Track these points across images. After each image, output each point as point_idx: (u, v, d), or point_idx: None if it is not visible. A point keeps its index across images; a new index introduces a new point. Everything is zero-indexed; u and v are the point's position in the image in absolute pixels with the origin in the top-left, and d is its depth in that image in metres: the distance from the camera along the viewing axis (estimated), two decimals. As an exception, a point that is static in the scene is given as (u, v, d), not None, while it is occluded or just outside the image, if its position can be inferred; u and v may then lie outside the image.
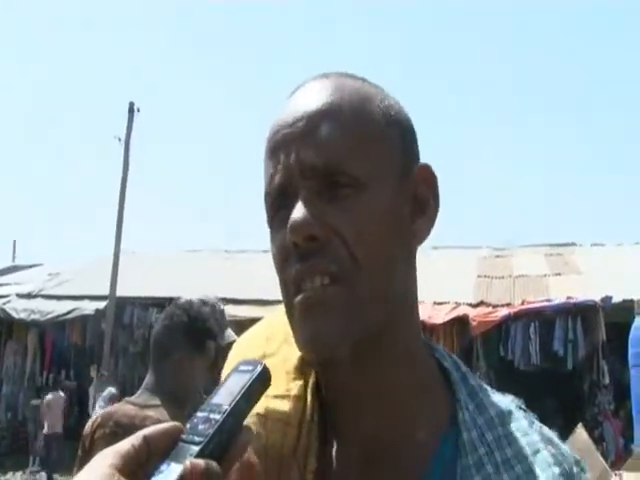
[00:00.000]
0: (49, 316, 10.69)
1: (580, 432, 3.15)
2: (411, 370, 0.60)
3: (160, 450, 0.48)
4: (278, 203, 0.58)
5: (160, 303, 9.60)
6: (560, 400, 8.28)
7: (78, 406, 10.76)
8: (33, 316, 10.77)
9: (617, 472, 2.72)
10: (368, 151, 0.58)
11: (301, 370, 0.62)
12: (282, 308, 0.66)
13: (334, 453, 0.59)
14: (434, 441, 0.59)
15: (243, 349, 0.67)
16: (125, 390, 7.99)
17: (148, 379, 2.00)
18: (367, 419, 0.59)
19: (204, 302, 2.19)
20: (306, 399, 0.60)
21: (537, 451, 0.58)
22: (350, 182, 0.56)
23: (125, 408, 1.90)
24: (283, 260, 0.57)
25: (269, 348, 0.64)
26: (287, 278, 0.57)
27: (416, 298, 0.62)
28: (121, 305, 10.68)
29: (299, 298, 0.56)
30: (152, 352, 2.02)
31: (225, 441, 0.48)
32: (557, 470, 0.57)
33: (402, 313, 0.60)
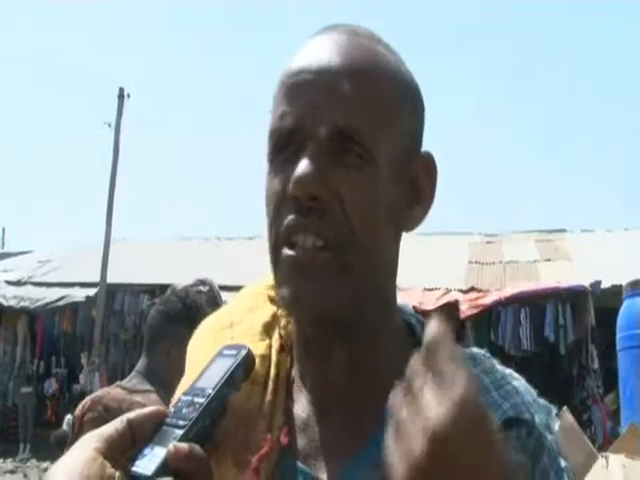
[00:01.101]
0: (39, 303, 10.64)
1: (566, 415, 3.18)
2: (383, 335, 0.61)
3: (144, 434, 0.48)
4: (282, 144, 0.57)
5: (151, 290, 9.60)
6: (549, 384, 8.37)
7: (69, 393, 10.76)
8: (23, 303, 10.72)
9: (604, 454, 2.76)
10: (386, 127, 0.57)
11: (266, 332, 0.63)
12: (246, 288, 0.69)
13: (300, 408, 0.60)
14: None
15: (210, 322, 0.68)
16: (116, 377, 8.00)
17: (140, 363, 2.01)
18: (336, 375, 0.59)
19: (200, 290, 2.19)
20: (270, 359, 0.61)
21: (500, 386, 0.59)
22: (362, 153, 0.55)
23: (114, 392, 1.91)
24: (277, 204, 0.56)
25: (234, 318, 0.65)
26: (279, 225, 0.56)
27: (396, 275, 0.63)
28: (112, 292, 10.65)
29: (289, 253, 0.55)
30: (145, 337, 2.03)
31: (209, 424, 0.48)
32: (519, 399, 0.58)
33: (387, 290, 0.61)
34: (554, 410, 0.63)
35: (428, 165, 0.62)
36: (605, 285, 8.14)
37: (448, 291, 9.06)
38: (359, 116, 0.55)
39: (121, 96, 12.43)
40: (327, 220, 0.54)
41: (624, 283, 3.90)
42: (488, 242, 11.59)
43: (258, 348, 0.61)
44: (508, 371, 0.63)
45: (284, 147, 0.57)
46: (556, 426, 0.61)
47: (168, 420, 0.49)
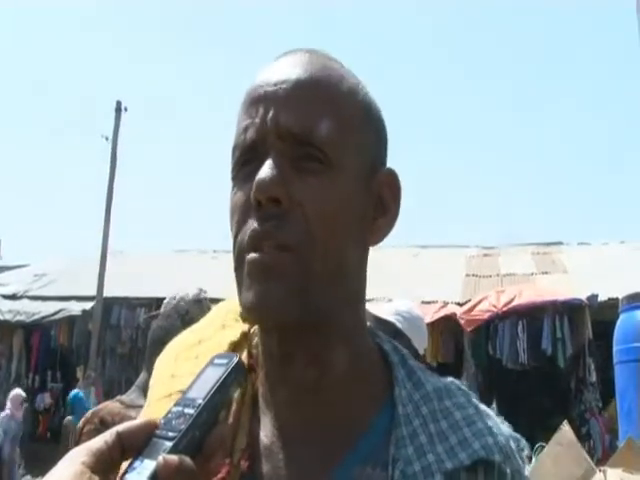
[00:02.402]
0: (35, 317, 10.58)
1: (565, 429, 3.17)
2: (353, 352, 0.60)
3: (134, 446, 0.47)
4: (245, 158, 0.58)
5: (148, 303, 9.56)
6: (547, 398, 8.35)
7: (64, 407, 10.67)
8: (18, 317, 10.66)
9: (601, 468, 2.75)
10: (347, 137, 0.58)
11: (234, 351, 0.62)
12: (218, 305, 0.68)
13: (265, 429, 0.59)
14: (369, 415, 0.59)
15: (180, 339, 0.68)
16: (112, 391, 7.94)
17: (140, 378, 2.01)
18: (303, 396, 0.59)
19: (202, 307, 2.20)
20: None
21: (472, 423, 0.59)
22: (322, 158, 0.56)
23: (112, 406, 1.92)
24: (242, 215, 0.57)
25: (204, 335, 0.65)
26: (243, 235, 0.56)
27: (364, 294, 0.63)
28: (108, 305, 10.60)
29: (252, 256, 0.55)
30: (146, 351, 2.04)
31: (199, 436, 0.47)
32: (491, 440, 0.57)
33: (351, 299, 0.60)
34: (525, 444, 0.62)
35: (391, 181, 0.63)
36: (602, 298, 8.14)
37: (445, 304, 9.05)
38: (318, 122, 0.56)
39: (118, 109, 12.48)
40: (288, 226, 0.55)
41: (621, 296, 3.91)
42: (485, 255, 11.60)
43: None
44: (482, 407, 0.62)
45: (247, 161, 0.57)
46: (526, 466, 0.60)
47: (158, 432, 0.48)
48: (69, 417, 6.70)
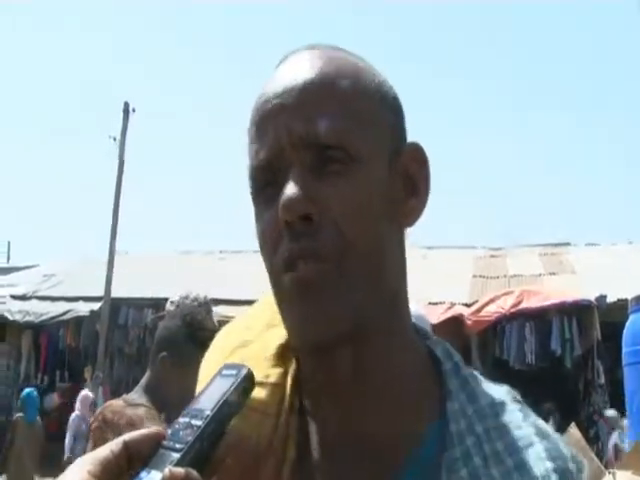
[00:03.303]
0: (43, 317, 10.65)
1: (573, 431, 3.16)
2: (402, 360, 0.57)
3: (141, 456, 0.46)
4: (265, 178, 0.55)
5: (155, 304, 9.58)
6: (556, 399, 8.30)
7: (72, 408, 10.72)
8: (27, 317, 10.72)
9: (610, 470, 2.73)
10: (362, 126, 0.55)
11: (281, 357, 0.59)
12: (265, 297, 0.64)
13: (313, 443, 0.57)
14: (421, 432, 0.56)
15: (222, 339, 0.65)
16: (120, 391, 7.96)
17: (145, 377, 2.03)
18: (350, 408, 0.56)
19: (207, 309, 2.21)
20: (285, 387, 0.57)
21: (530, 445, 0.55)
22: (343, 157, 0.54)
23: (115, 404, 1.94)
24: (273, 240, 0.54)
25: (248, 335, 0.62)
26: (277, 259, 0.54)
27: (406, 284, 0.59)
28: (116, 306, 10.65)
29: (290, 276, 0.53)
30: (151, 350, 2.05)
31: (207, 448, 0.47)
32: (550, 465, 0.54)
33: (396, 298, 0.58)
34: (584, 464, 0.58)
35: (417, 156, 0.60)
36: (610, 299, 8.10)
37: (452, 305, 9.03)
38: (332, 121, 0.54)
39: (126, 110, 12.53)
40: (321, 238, 0.52)
41: (630, 297, 3.88)
42: (492, 256, 11.56)
43: (271, 376, 0.57)
44: (541, 424, 0.58)
45: (268, 182, 0.55)
46: None
47: (165, 443, 0.47)
48: (20, 414, 6.71)
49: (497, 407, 0.57)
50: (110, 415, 1.86)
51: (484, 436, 0.55)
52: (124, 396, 2.02)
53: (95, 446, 1.78)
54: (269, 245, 0.55)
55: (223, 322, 0.72)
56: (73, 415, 7.66)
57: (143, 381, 2.01)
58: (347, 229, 0.53)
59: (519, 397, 0.61)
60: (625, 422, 6.97)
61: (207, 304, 2.19)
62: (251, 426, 0.55)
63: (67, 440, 7.30)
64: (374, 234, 0.54)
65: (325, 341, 0.53)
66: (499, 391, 0.60)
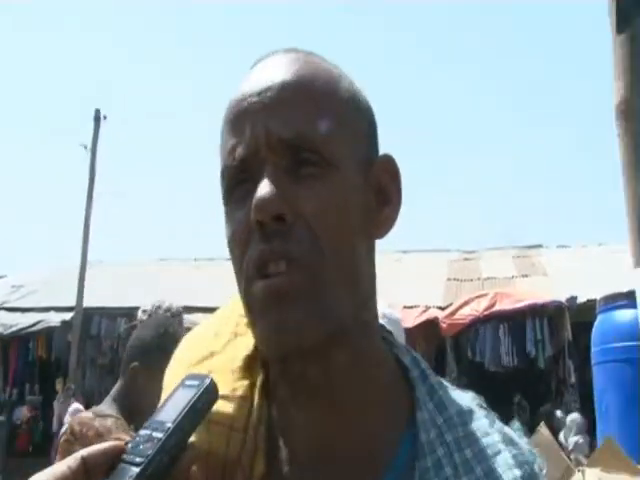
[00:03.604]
0: (13, 329, 10.39)
1: (543, 430, 3.20)
2: (372, 369, 0.57)
3: (99, 471, 0.45)
4: (238, 178, 0.54)
5: (128, 313, 9.42)
6: (528, 400, 8.42)
7: (43, 421, 10.47)
8: (-4, 329, 10.46)
9: (580, 468, 2.78)
10: (338, 131, 0.54)
11: (248, 369, 0.58)
12: (233, 299, 0.62)
13: (283, 456, 0.55)
14: (391, 443, 0.56)
15: (190, 346, 0.63)
16: (92, 403, 7.81)
17: (115, 387, 2.01)
18: (321, 419, 0.55)
19: (179, 319, 2.21)
20: (252, 400, 0.56)
21: (498, 452, 0.56)
22: (318, 161, 0.53)
23: (83, 415, 1.93)
24: (243, 241, 0.53)
25: (216, 345, 0.60)
26: (247, 260, 0.52)
27: (376, 294, 0.59)
28: (88, 316, 10.46)
29: (261, 284, 0.51)
30: (122, 360, 2.03)
31: (167, 461, 0.45)
32: (518, 472, 0.55)
33: (366, 307, 0.57)
34: (544, 466, 0.60)
35: (389, 167, 0.60)
36: (581, 300, 8.26)
37: (427, 308, 9.10)
38: (309, 125, 0.53)
39: (97, 118, 12.36)
40: (295, 240, 0.51)
41: (598, 298, 3.97)
42: (466, 259, 11.70)
43: (238, 389, 0.56)
44: (506, 430, 0.59)
45: (240, 182, 0.54)
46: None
47: (125, 456, 0.46)
48: None
49: (465, 415, 0.58)
50: (78, 427, 1.83)
51: (454, 445, 0.56)
52: (93, 408, 2.01)
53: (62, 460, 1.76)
54: (239, 246, 0.54)
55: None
56: (62, 429, 7.49)
57: (114, 391, 1.99)
58: (321, 232, 0.52)
59: (484, 403, 0.62)
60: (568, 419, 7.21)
61: (179, 315, 2.20)
62: (219, 441, 0.54)
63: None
64: (348, 240, 0.54)
65: (296, 350, 0.52)
66: (465, 398, 0.60)
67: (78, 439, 1.81)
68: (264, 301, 0.52)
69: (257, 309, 0.53)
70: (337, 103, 0.56)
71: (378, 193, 0.58)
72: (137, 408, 1.90)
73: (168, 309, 2.20)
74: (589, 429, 7.05)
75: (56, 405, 9.72)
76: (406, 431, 0.56)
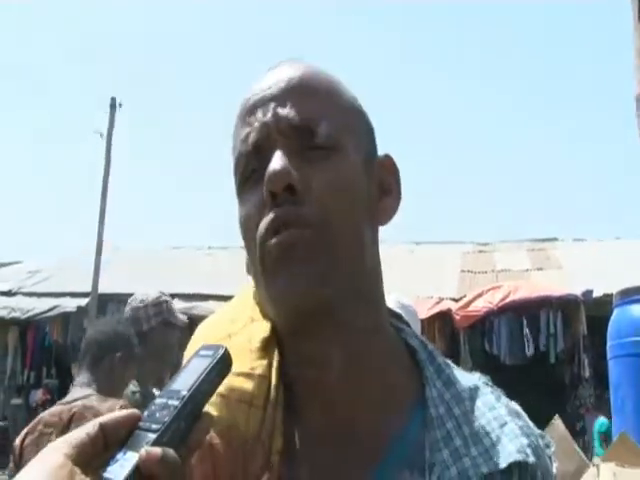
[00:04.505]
0: (29, 314, 10.55)
1: (557, 424, 3.19)
2: (381, 343, 0.60)
3: (117, 438, 0.46)
4: (252, 164, 0.58)
5: (143, 300, 9.55)
6: (542, 393, 8.39)
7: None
8: (13, 314, 10.62)
9: (594, 462, 2.77)
10: (342, 120, 0.59)
11: (265, 349, 0.60)
12: (243, 291, 0.66)
13: (299, 432, 0.58)
14: (402, 417, 0.58)
15: (206, 331, 0.66)
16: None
17: (80, 379, 2.06)
18: (334, 394, 0.58)
19: (167, 300, 2.35)
20: (270, 379, 0.59)
21: (504, 424, 0.58)
22: (325, 143, 0.57)
23: (51, 410, 1.97)
24: (256, 220, 0.56)
25: (233, 328, 0.63)
26: (261, 229, 0.56)
27: (382, 283, 0.62)
28: (103, 302, 10.57)
29: (274, 240, 0.54)
30: (91, 352, 2.10)
31: (183, 428, 0.47)
32: (525, 441, 0.57)
33: (375, 283, 0.60)
34: (551, 441, 0.62)
35: (389, 165, 0.64)
36: (597, 294, 8.18)
37: (441, 300, 9.07)
38: (314, 110, 0.57)
39: (113, 105, 12.42)
40: (306, 206, 0.55)
41: (615, 292, 3.93)
42: (480, 251, 11.62)
43: (256, 368, 0.58)
44: (512, 405, 0.62)
45: (254, 167, 0.57)
46: (554, 459, 0.61)
47: (141, 424, 0.47)
48: None
49: (472, 391, 0.61)
50: (55, 419, 1.89)
51: (462, 418, 0.58)
52: (60, 401, 2.07)
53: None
54: (253, 226, 0.57)
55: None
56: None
57: (82, 381, 2.05)
58: (329, 206, 0.55)
59: (490, 382, 0.64)
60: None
61: (164, 303, 2.30)
62: (240, 417, 0.56)
63: None
64: (354, 215, 0.57)
65: (308, 305, 0.54)
66: (471, 377, 0.63)
67: (57, 428, 1.84)
68: (276, 261, 0.55)
69: (270, 271, 0.55)
70: (339, 97, 0.61)
71: (379, 185, 0.62)
72: (115, 395, 1.96)
73: (142, 300, 2.37)
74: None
75: (72, 388, 9.87)
76: (416, 408, 0.59)
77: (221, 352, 0.50)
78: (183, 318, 2.55)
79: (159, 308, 2.44)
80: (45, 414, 1.96)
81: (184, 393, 0.47)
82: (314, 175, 0.56)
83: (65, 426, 1.81)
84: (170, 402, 0.47)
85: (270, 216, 0.55)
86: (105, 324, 2.22)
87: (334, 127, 0.58)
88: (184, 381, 0.49)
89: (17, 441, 1.92)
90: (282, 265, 0.54)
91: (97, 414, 1.78)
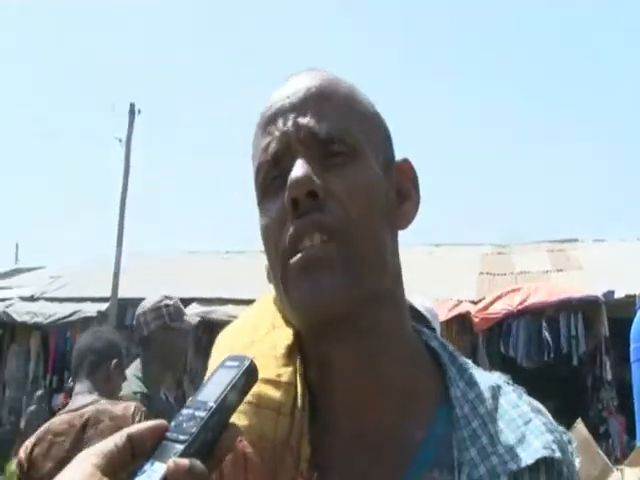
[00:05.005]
0: (51, 319, 10.69)
1: (580, 427, 3.14)
2: (403, 347, 0.60)
3: (145, 449, 0.47)
4: (273, 173, 0.58)
5: (162, 304, 9.62)
6: (564, 397, 8.28)
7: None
8: (36, 319, 10.77)
9: (619, 467, 2.72)
10: (362, 125, 0.60)
11: (290, 356, 0.60)
12: (262, 298, 0.67)
13: (325, 439, 0.58)
14: (427, 419, 0.59)
15: (228, 338, 0.66)
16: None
17: (79, 387, 2.08)
18: (357, 399, 0.58)
19: (168, 304, 2.39)
20: (296, 386, 0.59)
21: (529, 421, 0.59)
22: (345, 150, 0.57)
23: (58, 419, 1.98)
24: (278, 229, 0.57)
25: (256, 335, 0.63)
26: (283, 239, 0.56)
27: (402, 283, 0.62)
28: (123, 307, 10.67)
29: (296, 258, 0.55)
30: (89, 359, 2.13)
31: (211, 439, 0.47)
32: (550, 437, 0.58)
33: (396, 288, 0.61)
34: (572, 437, 0.62)
35: (407, 169, 0.65)
36: (618, 295, 8.05)
37: (459, 302, 9.00)
38: (334, 118, 0.58)
39: (132, 112, 12.56)
40: (327, 213, 0.55)
41: (638, 293, 3.86)
42: (499, 253, 11.52)
43: (283, 375, 0.59)
44: (535, 403, 0.62)
45: (274, 178, 0.58)
46: (576, 454, 0.61)
47: (169, 434, 0.47)
48: None
49: (494, 390, 0.61)
50: (64, 426, 1.93)
51: (487, 417, 0.58)
52: (63, 410, 2.09)
53: (63, 459, 1.79)
54: (274, 235, 0.57)
55: (229, 322, 0.73)
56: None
57: (82, 389, 2.07)
58: (351, 212, 0.56)
59: (510, 381, 0.64)
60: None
61: (163, 307, 2.36)
62: (268, 425, 0.56)
63: None
64: (375, 218, 0.57)
65: (330, 315, 0.54)
66: (492, 377, 0.64)
67: (67, 437, 1.85)
68: (299, 272, 0.55)
69: (293, 281, 0.56)
70: (358, 104, 0.62)
71: (398, 190, 0.63)
72: (114, 399, 1.99)
73: (142, 306, 2.47)
74: (627, 427, 6.90)
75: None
76: (441, 408, 0.59)
77: (247, 363, 0.50)
78: (191, 320, 2.57)
79: (158, 312, 2.49)
80: (53, 423, 1.97)
81: (211, 404, 0.48)
82: (335, 182, 0.56)
83: (79, 431, 1.82)
84: (197, 413, 0.47)
85: (292, 227, 0.55)
86: (94, 333, 2.30)
87: (353, 134, 0.58)
88: (211, 392, 0.49)
89: (22, 453, 1.93)
90: (304, 276, 0.55)
91: (112, 416, 1.79)
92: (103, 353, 2.10)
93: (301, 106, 0.58)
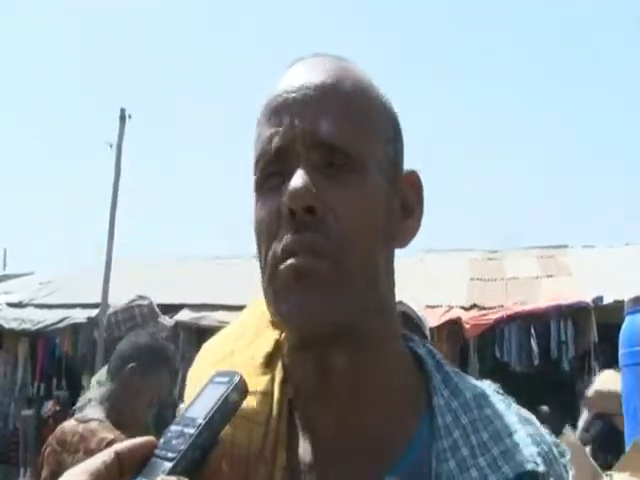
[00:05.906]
0: (40, 325, 10.60)
1: (568, 434, 3.16)
2: (393, 361, 0.59)
3: (133, 466, 0.46)
4: (272, 169, 0.57)
5: (152, 310, 9.57)
6: (554, 402, 8.31)
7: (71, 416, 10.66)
8: (24, 325, 10.67)
9: (608, 472, 2.73)
10: (371, 137, 0.58)
11: (268, 365, 0.60)
12: (253, 302, 0.66)
13: (304, 446, 0.57)
14: (409, 429, 0.58)
15: (211, 349, 0.65)
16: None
17: (100, 392, 2.06)
18: (344, 410, 0.57)
19: (140, 304, 2.35)
20: (273, 394, 0.58)
21: (514, 432, 0.57)
22: (350, 163, 0.56)
23: (67, 425, 1.97)
24: (271, 227, 0.55)
25: (238, 344, 0.63)
26: (276, 246, 0.55)
27: (394, 298, 0.62)
28: (113, 313, 10.62)
29: (287, 263, 0.54)
30: (113, 365, 2.10)
31: (199, 457, 0.46)
32: (535, 449, 0.56)
33: (385, 303, 0.59)
34: (566, 449, 0.60)
35: (413, 181, 0.63)
36: (607, 300, 8.11)
37: (450, 308, 9.03)
38: (342, 126, 0.56)
39: (122, 117, 12.52)
40: (323, 233, 0.54)
41: (626, 299, 3.89)
42: (489, 259, 11.57)
43: (259, 384, 0.58)
44: (523, 412, 0.61)
45: (273, 172, 0.57)
46: (569, 467, 0.59)
47: (157, 452, 0.47)
48: None
49: (480, 399, 0.59)
50: (64, 437, 1.89)
51: (470, 427, 0.57)
52: (77, 415, 2.07)
53: (52, 472, 1.79)
54: (267, 233, 0.56)
55: (220, 327, 0.73)
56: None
57: (101, 395, 2.05)
58: (348, 232, 0.54)
59: (500, 390, 0.63)
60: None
61: (135, 307, 2.34)
62: (241, 434, 0.55)
63: None
64: (372, 243, 0.56)
65: (318, 331, 0.54)
66: (481, 385, 0.62)
67: (63, 447, 1.84)
68: (289, 279, 0.54)
69: (282, 288, 0.55)
70: (369, 109, 0.59)
71: (402, 203, 0.61)
72: (131, 407, 1.96)
73: (114, 306, 2.43)
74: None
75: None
76: (423, 417, 0.58)
77: (237, 379, 0.50)
78: (165, 322, 2.54)
79: (130, 313, 2.45)
80: (60, 429, 1.96)
81: (200, 421, 0.47)
82: (337, 196, 0.55)
83: (74, 448, 1.82)
84: (186, 430, 0.47)
85: (287, 239, 0.54)
86: (134, 336, 2.23)
87: (362, 145, 0.56)
88: (199, 409, 0.48)
89: (43, 450, 1.96)
90: (293, 285, 0.54)
91: (86, 449, 1.78)
92: (126, 356, 2.07)
93: (310, 105, 0.56)
